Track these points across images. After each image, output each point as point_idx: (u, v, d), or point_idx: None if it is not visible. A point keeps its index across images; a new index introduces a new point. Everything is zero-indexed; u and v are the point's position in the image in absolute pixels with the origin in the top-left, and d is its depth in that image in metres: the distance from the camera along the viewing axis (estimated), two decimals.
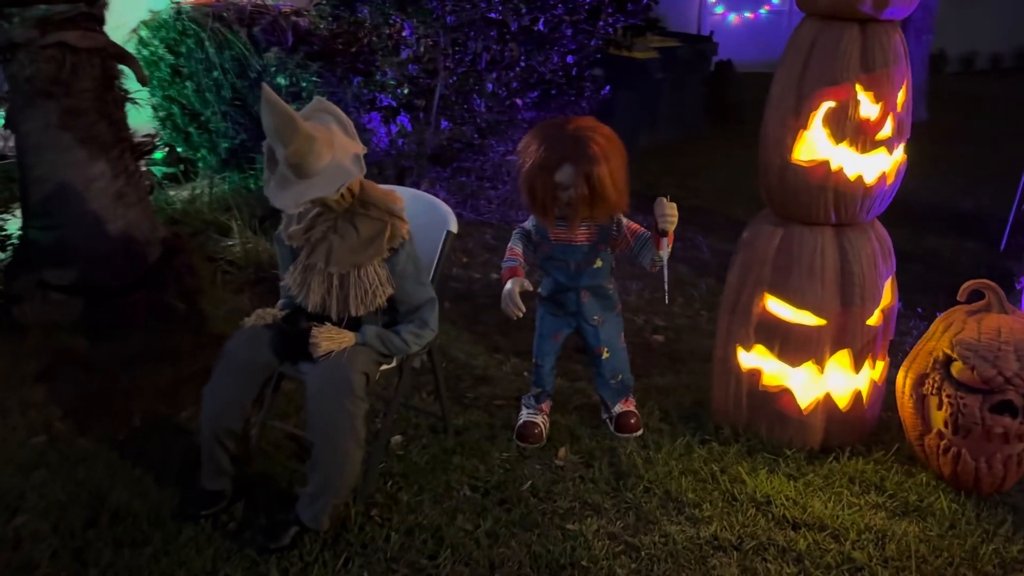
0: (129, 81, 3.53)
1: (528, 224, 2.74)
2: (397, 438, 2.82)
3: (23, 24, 3.01)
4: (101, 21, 3.24)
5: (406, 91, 5.10)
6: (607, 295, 2.76)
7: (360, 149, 2.31)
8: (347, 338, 2.34)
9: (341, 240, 2.38)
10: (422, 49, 5.11)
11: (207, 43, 5.02)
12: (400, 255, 2.40)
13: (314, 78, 5.03)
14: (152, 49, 5.28)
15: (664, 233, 2.47)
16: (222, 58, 5.05)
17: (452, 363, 3.43)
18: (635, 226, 2.66)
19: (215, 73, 5.10)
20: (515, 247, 2.71)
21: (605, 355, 2.79)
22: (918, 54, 9.13)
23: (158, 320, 3.44)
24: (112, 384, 3.08)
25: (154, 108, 5.43)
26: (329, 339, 2.31)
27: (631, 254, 2.66)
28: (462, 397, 3.16)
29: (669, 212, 2.46)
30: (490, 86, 5.40)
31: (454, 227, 2.62)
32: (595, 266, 2.67)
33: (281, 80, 5.23)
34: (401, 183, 5.46)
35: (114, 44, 3.31)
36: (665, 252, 2.50)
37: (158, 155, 5.69)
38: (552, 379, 2.89)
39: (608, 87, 5.97)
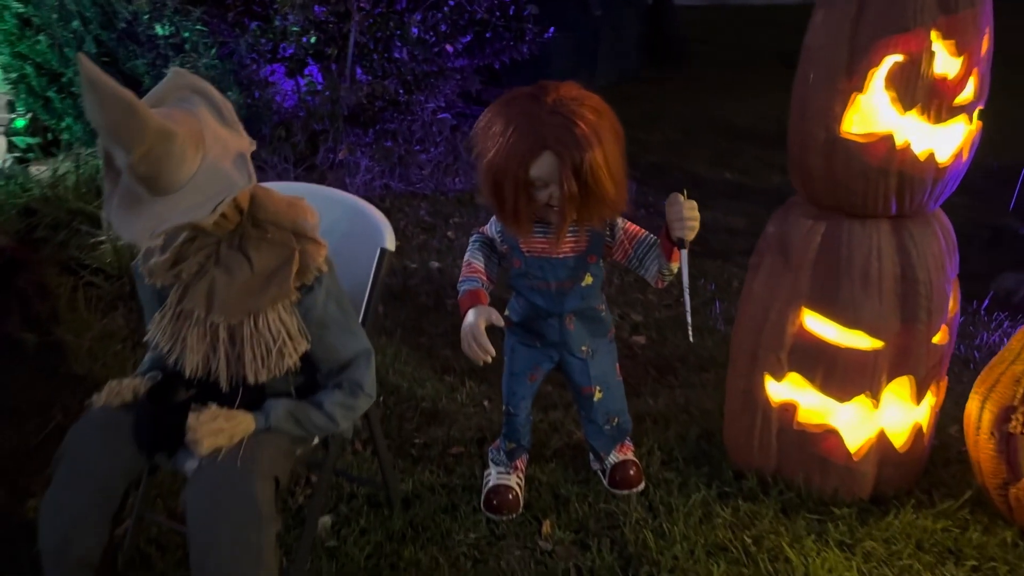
0: None
1: (490, 228, 2.02)
2: (326, 520, 2.12)
3: None
4: None
5: (313, 39, 4.24)
6: (598, 318, 2.07)
7: (246, 145, 1.55)
8: (242, 425, 1.61)
9: (227, 276, 1.63)
10: None
11: None
12: (316, 294, 1.66)
13: (198, 26, 4.12)
14: None
15: (681, 244, 1.79)
16: (81, 4, 4.08)
17: (391, 394, 2.72)
18: (634, 227, 1.97)
19: (74, 23, 4.13)
20: (474, 260, 1.98)
21: (598, 396, 2.12)
22: None
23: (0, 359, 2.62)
24: None
25: (4, 69, 4.43)
26: (215, 432, 1.57)
27: (629, 264, 1.97)
28: (408, 445, 2.46)
29: (688, 214, 1.77)
30: (415, 30, 4.58)
31: (390, 242, 1.89)
32: (584, 284, 1.98)
33: (159, 29, 4.30)
34: (314, 151, 4.65)
35: None
36: (683, 268, 1.82)
37: (19, 123, 4.71)
38: (529, 430, 2.21)
39: (552, 28, 5.20)
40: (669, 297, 3.47)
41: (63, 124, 4.41)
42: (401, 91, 4.61)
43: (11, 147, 4.68)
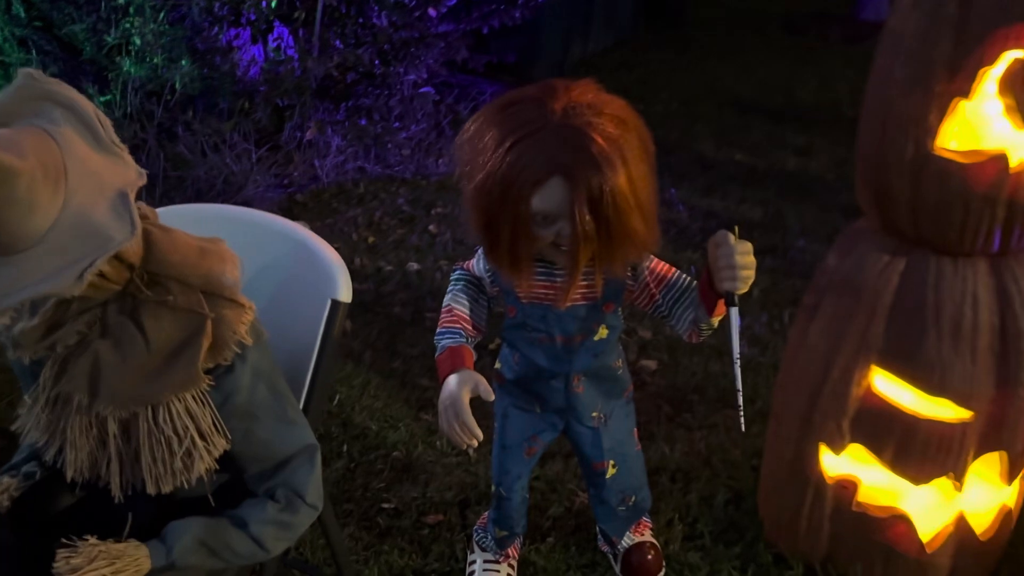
0: None
1: (477, 265, 1.56)
2: None
3: None
4: None
5: (274, 3, 3.71)
6: (614, 377, 1.63)
7: (132, 178, 1.09)
8: (132, 567, 1.16)
9: (115, 352, 1.18)
10: None
11: None
12: (239, 376, 1.21)
13: None
14: None
15: (731, 299, 1.33)
16: None
17: (356, 440, 2.28)
18: (663, 266, 1.51)
19: None
20: (456, 306, 1.51)
21: (611, 472, 1.69)
22: None
23: None
24: None
25: None
26: (90, 572, 1.13)
27: (655, 312, 1.52)
28: (374, 511, 2.03)
29: (742, 261, 1.31)
30: None
31: (345, 292, 1.42)
32: (597, 338, 1.53)
33: None
34: (280, 128, 4.14)
35: None
36: (733, 332, 1.36)
37: None
38: (525, 513, 1.77)
39: None
40: None
41: None
42: (377, 62, 4.09)
43: None
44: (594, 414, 1.62)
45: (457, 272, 1.57)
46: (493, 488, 1.73)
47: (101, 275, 1.11)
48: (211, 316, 1.18)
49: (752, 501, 2.04)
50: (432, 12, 4.30)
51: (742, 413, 1.38)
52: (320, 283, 1.42)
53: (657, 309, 1.50)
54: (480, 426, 1.35)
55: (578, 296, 1.46)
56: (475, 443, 1.36)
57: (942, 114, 1.47)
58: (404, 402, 2.45)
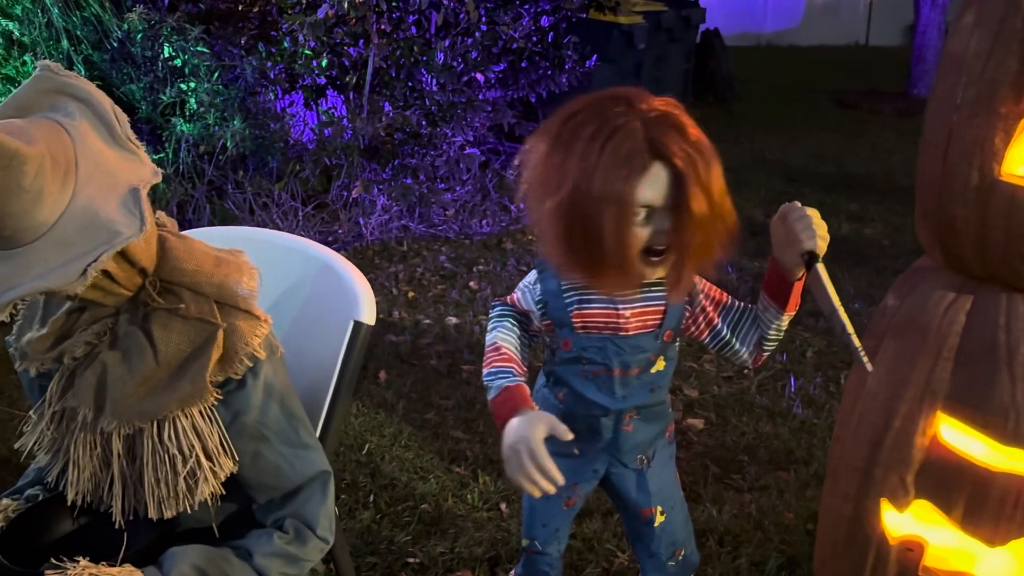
0: None
1: (524, 298, 1.43)
2: None
3: None
4: None
5: (324, 63, 3.79)
6: (663, 414, 1.51)
7: (146, 175, 1.05)
8: None
9: (124, 365, 1.12)
10: (347, 7, 3.78)
11: (48, 1, 3.65)
12: (249, 392, 1.15)
13: (199, 47, 3.69)
14: None
15: (814, 258, 1.23)
16: (71, 22, 3.68)
17: (385, 491, 2.17)
18: (716, 290, 1.41)
19: (63, 43, 3.73)
20: (504, 344, 1.37)
21: (660, 519, 1.55)
22: (933, 20, 8.05)
23: None
24: None
25: None
26: None
27: (715, 341, 1.41)
28: (398, 566, 1.91)
29: (818, 220, 1.23)
30: (441, 56, 4.11)
31: (368, 313, 1.36)
32: (654, 370, 1.42)
33: (167, 49, 3.88)
34: (327, 187, 4.18)
35: None
36: (825, 286, 1.23)
37: None
38: (560, 573, 1.63)
39: (595, 57, 4.71)
40: (729, 367, 2.89)
41: None
42: (424, 123, 4.13)
43: None
44: (639, 456, 1.51)
45: (499, 308, 1.45)
46: (525, 544, 1.60)
47: (110, 277, 1.06)
48: (223, 326, 1.13)
49: (807, 567, 1.87)
50: (480, 77, 4.35)
51: (863, 353, 1.25)
52: (343, 305, 1.36)
53: (717, 336, 1.40)
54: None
55: (637, 324, 1.37)
56: (552, 489, 1.22)
57: (1008, 137, 1.37)
58: (436, 454, 2.35)
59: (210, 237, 1.49)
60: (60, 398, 1.17)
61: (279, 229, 3.95)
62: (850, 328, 1.26)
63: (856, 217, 4.62)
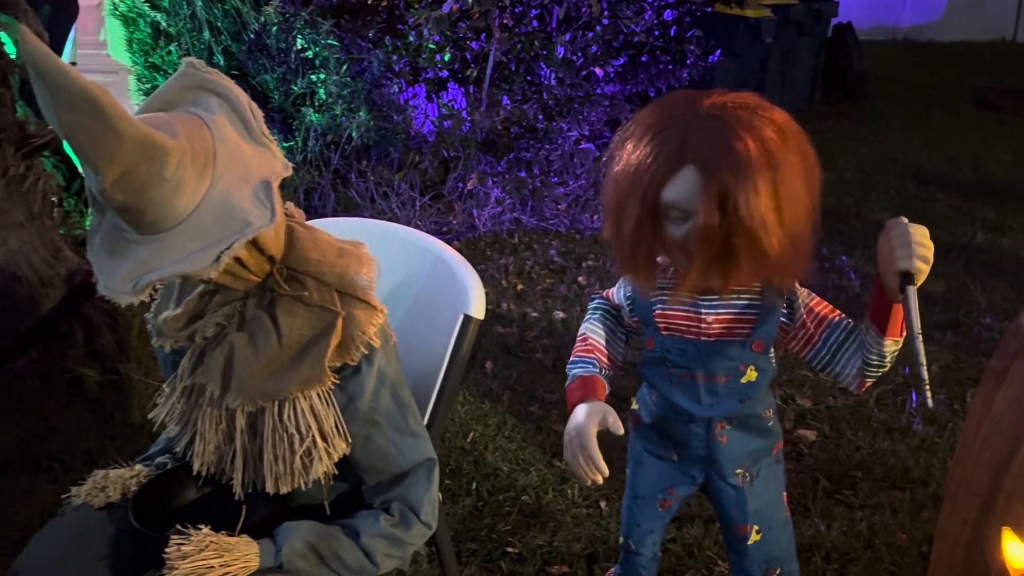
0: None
1: (617, 292, 1.48)
2: None
3: None
4: None
5: (447, 57, 3.86)
6: (764, 429, 1.48)
7: (278, 168, 1.10)
8: (240, 562, 1.15)
9: (250, 346, 1.19)
10: (471, 1, 3.84)
11: None
12: (364, 379, 1.19)
13: (330, 40, 3.83)
14: (132, 2, 4.16)
15: (908, 279, 1.16)
16: (212, 14, 3.89)
17: (487, 479, 2.21)
18: (824, 305, 1.36)
19: (205, 34, 3.95)
20: (592, 335, 1.45)
21: (755, 537, 1.52)
22: None
23: (56, 397, 2.32)
24: None
25: (138, 80, 4.32)
26: (201, 571, 1.11)
27: (814, 359, 1.37)
28: (497, 554, 1.94)
29: (919, 239, 1.15)
30: (561, 50, 4.12)
31: (478, 309, 1.39)
32: (744, 380, 1.40)
33: (299, 41, 4.05)
34: (444, 179, 4.26)
35: None
36: (912, 309, 1.17)
37: None
38: (656, 573, 1.63)
39: (719, 51, 4.61)
40: None
41: None
42: (541, 117, 4.15)
43: None
44: (738, 471, 1.47)
45: (596, 301, 1.50)
46: (621, 541, 1.60)
47: (241, 263, 1.12)
48: (342, 314, 1.18)
49: None
50: (598, 71, 4.34)
51: (927, 386, 1.19)
52: (454, 298, 1.39)
53: (816, 355, 1.35)
54: (613, 475, 1.26)
55: (722, 329, 1.35)
56: (599, 478, 1.27)
57: None
58: (538, 447, 2.37)
59: (333, 227, 1.55)
60: (191, 374, 1.25)
61: (397, 218, 4.07)
62: (922, 358, 1.19)
63: (993, 226, 4.35)
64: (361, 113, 4.16)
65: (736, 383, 1.39)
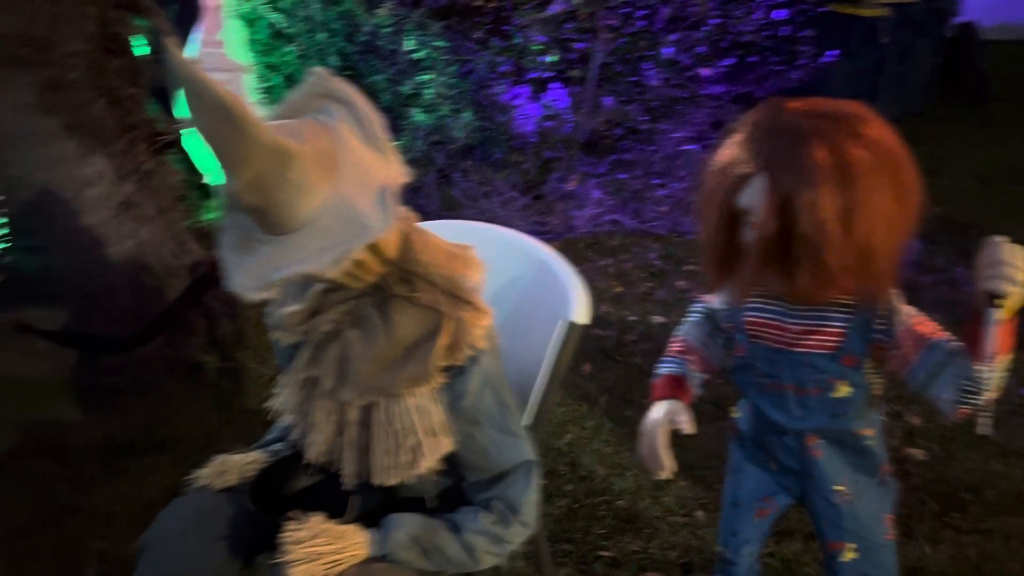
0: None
1: (715, 299, 1.48)
2: None
3: None
4: None
5: (552, 58, 3.88)
6: (862, 449, 1.43)
7: (395, 175, 1.15)
8: (350, 550, 1.20)
9: (363, 343, 1.24)
10: (578, 3, 3.85)
11: None
12: (469, 379, 1.23)
13: (439, 42, 3.92)
14: (253, 4, 4.36)
15: (992, 299, 1.12)
16: (329, 16, 4.04)
17: (583, 481, 2.23)
18: (926, 325, 1.31)
19: (321, 35, 4.10)
20: (686, 335, 1.49)
21: (848, 555, 1.48)
22: None
23: (177, 382, 2.47)
24: (82, 493, 2.12)
25: (256, 78, 4.52)
26: (312, 556, 1.17)
27: (912, 380, 1.32)
28: (591, 558, 1.96)
29: (1008, 258, 1.10)
30: (669, 51, 4.08)
31: (581, 315, 1.40)
32: (835, 395, 1.37)
33: (405, 44, 4.16)
34: (544, 179, 4.29)
35: None
36: (988, 330, 1.14)
37: None
38: None
39: (835, 51, 4.47)
40: None
41: None
42: (645, 117, 4.13)
43: None
44: (836, 487, 1.44)
45: (695, 305, 1.52)
46: (719, 549, 1.59)
47: (359, 264, 1.17)
48: (451, 315, 1.21)
49: None
50: (705, 72, 4.27)
51: (987, 414, 1.15)
52: (557, 303, 1.42)
53: (914, 377, 1.28)
54: (711, 486, 1.27)
55: (813, 342, 1.33)
56: (663, 474, 1.36)
57: None
58: (633, 452, 2.36)
59: (441, 229, 1.60)
60: (307, 367, 1.31)
61: (499, 217, 4.12)
62: (989, 385, 1.15)
63: None
64: (466, 113, 4.24)
65: (827, 397, 1.36)
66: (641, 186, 4.19)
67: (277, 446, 1.46)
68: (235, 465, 1.36)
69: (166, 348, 2.46)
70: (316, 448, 1.32)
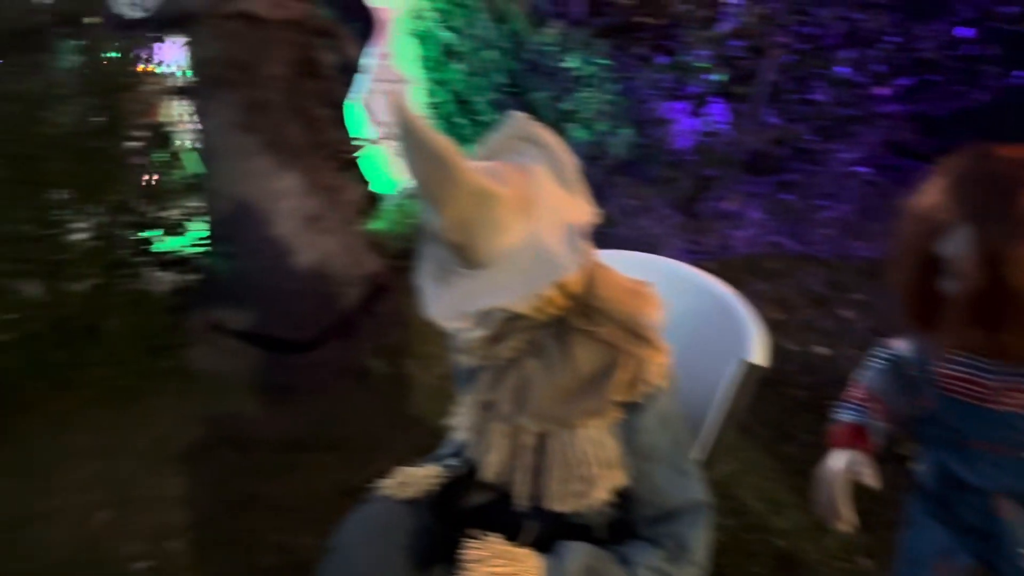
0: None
1: (903, 345, 1.42)
2: None
3: None
4: None
5: (722, 76, 3.83)
6: None
7: (585, 216, 1.19)
8: (526, 570, 1.24)
9: (544, 372, 1.28)
10: (748, 19, 3.78)
11: (481, 15, 4.14)
12: (646, 417, 1.25)
13: (601, 60, 3.95)
14: (427, 23, 4.54)
15: None
16: (498, 34, 4.15)
17: (736, 513, 2.19)
18: None
19: (489, 53, 4.22)
20: (867, 381, 1.43)
21: None
22: None
23: (347, 385, 2.61)
24: (260, 484, 2.29)
25: (424, 93, 4.72)
26: (490, 573, 1.22)
27: None
28: None
29: None
30: (844, 70, 3.93)
31: (759, 354, 1.39)
32: None
33: (568, 62, 4.22)
34: (700, 197, 4.24)
35: (316, 15, 2.48)
36: None
37: None
38: None
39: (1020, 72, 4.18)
40: None
41: (466, 149, 4.56)
42: (815, 137, 3.99)
43: None
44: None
45: (879, 350, 1.46)
46: None
47: (544, 297, 1.22)
48: (629, 352, 1.23)
49: None
50: (880, 91, 4.09)
51: None
52: (732, 341, 1.41)
53: None
54: (877, 532, 1.24)
55: (1012, 400, 1.25)
56: (842, 526, 1.31)
57: None
58: (792, 489, 2.30)
59: (615, 260, 1.62)
60: (486, 391, 1.37)
61: (652, 235, 4.10)
62: None
63: None
64: (626, 130, 4.25)
65: (1022, 458, 1.28)
66: (805, 207, 4.06)
67: (451, 461, 1.53)
68: (416, 478, 1.43)
69: (339, 352, 2.61)
70: (491, 468, 1.37)
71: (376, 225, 3.64)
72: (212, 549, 2.06)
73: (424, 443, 2.47)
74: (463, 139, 4.63)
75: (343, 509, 2.16)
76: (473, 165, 1.13)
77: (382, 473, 1.58)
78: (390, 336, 2.68)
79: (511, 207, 1.12)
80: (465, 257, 1.15)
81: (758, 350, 1.38)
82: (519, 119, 1.22)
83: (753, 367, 1.36)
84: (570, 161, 1.21)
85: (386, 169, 4.32)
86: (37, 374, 2.50)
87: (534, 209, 1.15)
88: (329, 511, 2.16)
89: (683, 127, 4.59)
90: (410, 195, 4.53)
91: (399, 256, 3.39)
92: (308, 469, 2.37)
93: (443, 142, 1.05)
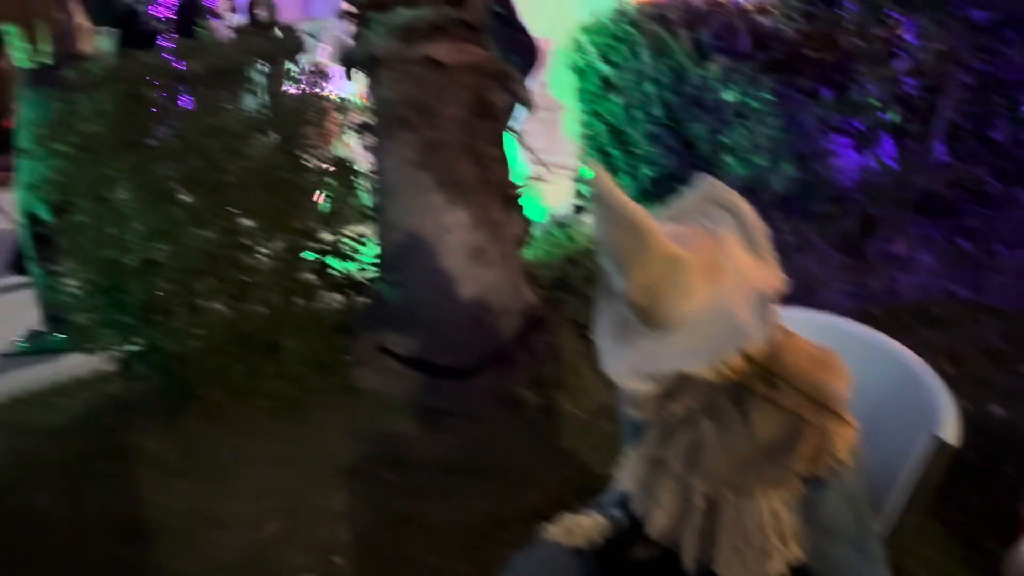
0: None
1: None
2: None
3: (386, 33, 2.41)
4: (475, 28, 2.52)
5: (896, 117, 3.67)
6: None
7: (773, 284, 1.18)
8: None
9: (719, 435, 1.28)
10: (925, 56, 3.60)
11: (642, 49, 4.16)
12: (829, 493, 1.22)
13: (765, 94, 3.87)
14: (586, 57, 4.61)
15: None
16: (658, 68, 4.15)
17: None
18: None
19: (646, 86, 4.23)
20: None
21: None
22: None
23: (501, 415, 2.68)
24: (417, 506, 2.37)
25: (579, 124, 4.78)
26: None
27: None
28: None
29: None
30: None
31: (951, 431, 1.33)
32: None
33: (728, 96, 4.17)
34: (865, 237, 4.05)
35: (493, 59, 2.57)
36: None
37: (584, 172, 5.07)
38: None
39: None
40: None
41: (618, 179, 4.59)
42: (995, 181, 3.75)
43: (577, 195, 5.03)
44: None
45: None
46: None
47: (727, 363, 1.21)
48: (813, 424, 1.21)
49: None
50: None
51: None
52: (922, 416, 1.35)
53: None
54: None
55: None
56: None
57: None
58: (965, 562, 2.16)
59: (794, 320, 1.60)
60: (656, 447, 1.37)
61: (811, 274, 3.96)
62: None
63: None
64: (785, 165, 4.14)
65: None
66: (983, 254, 3.81)
67: (616, 512, 1.54)
68: (582, 527, 1.46)
69: (494, 381, 2.68)
70: (657, 525, 1.37)
71: (527, 253, 3.70)
72: (374, 566, 2.16)
73: (574, 478, 2.49)
74: (615, 169, 4.66)
75: (496, 540, 2.22)
76: (661, 228, 1.15)
77: (535, 508, 1.62)
78: (544, 368, 2.73)
79: (698, 272, 1.13)
80: (648, 318, 1.16)
81: (951, 426, 1.32)
82: (709, 182, 1.23)
83: (945, 445, 1.30)
84: (760, 227, 1.21)
85: (537, 198, 4.40)
86: (220, 384, 2.70)
87: (721, 275, 1.16)
88: (483, 540, 2.23)
89: (848, 163, 4.42)
90: (560, 223, 4.59)
91: (552, 287, 3.45)
92: (461, 494, 2.44)
93: (635, 208, 1.07)
